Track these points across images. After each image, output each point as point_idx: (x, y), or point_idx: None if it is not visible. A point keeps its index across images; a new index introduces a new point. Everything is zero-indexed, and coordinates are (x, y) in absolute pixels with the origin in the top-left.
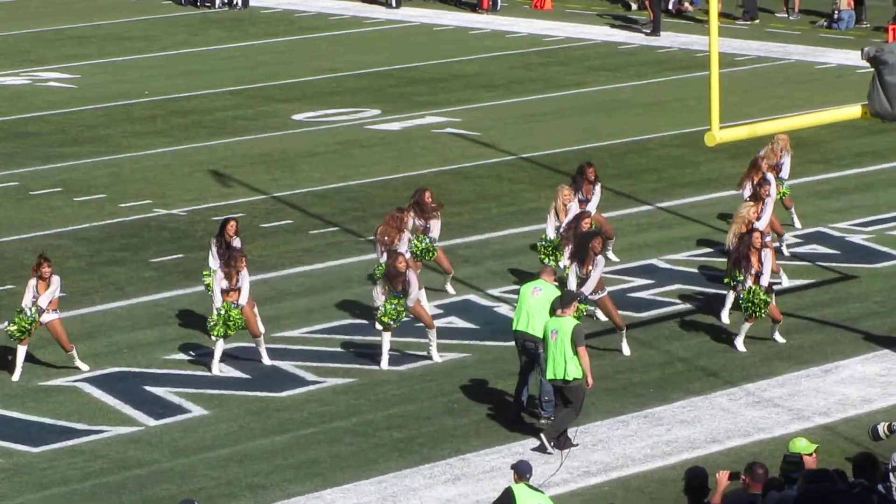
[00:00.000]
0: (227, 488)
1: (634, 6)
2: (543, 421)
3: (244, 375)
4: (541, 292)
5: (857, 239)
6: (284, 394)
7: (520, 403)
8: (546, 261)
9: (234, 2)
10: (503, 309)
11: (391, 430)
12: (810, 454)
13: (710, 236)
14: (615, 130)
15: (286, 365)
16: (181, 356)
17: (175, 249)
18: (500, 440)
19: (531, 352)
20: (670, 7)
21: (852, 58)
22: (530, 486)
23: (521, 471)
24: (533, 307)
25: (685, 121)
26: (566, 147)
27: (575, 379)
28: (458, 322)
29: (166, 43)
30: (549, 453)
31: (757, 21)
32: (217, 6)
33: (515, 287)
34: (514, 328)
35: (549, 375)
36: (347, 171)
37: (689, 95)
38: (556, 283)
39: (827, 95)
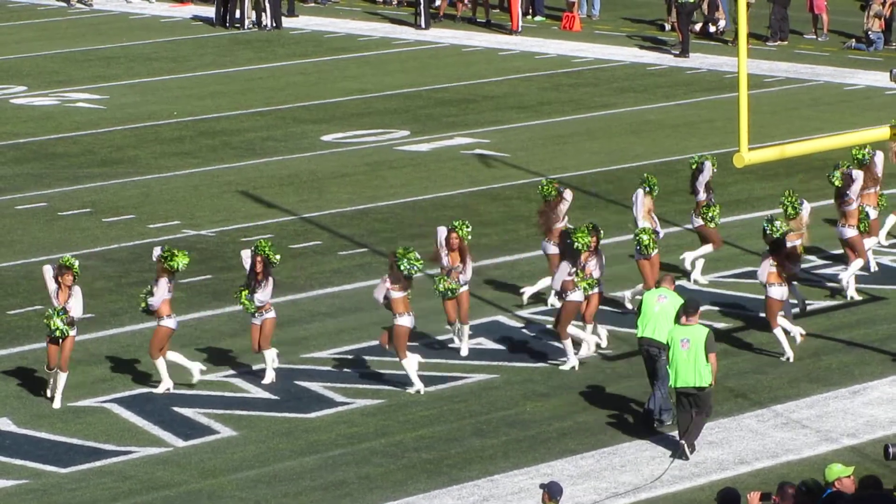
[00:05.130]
0: None
1: (668, 27)
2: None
3: (273, 396)
4: (666, 300)
5: (885, 260)
6: (313, 415)
7: (649, 411)
8: (653, 250)
9: (264, 23)
10: (532, 330)
11: (420, 452)
12: (849, 476)
13: (739, 258)
14: (644, 152)
15: (315, 386)
16: (210, 377)
17: (204, 270)
18: (529, 461)
19: (654, 357)
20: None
21: (881, 79)
22: None
23: (553, 492)
24: (658, 314)
25: (714, 142)
26: (595, 168)
27: (708, 385)
28: (486, 343)
29: (195, 64)
30: (687, 458)
31: (786, 42)
32: (246, 27)
33: (544, 308)
34: (639, 335)
35: (681, 383)
36: (376, 193)
37: (718, 117)
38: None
39: (856, 117)
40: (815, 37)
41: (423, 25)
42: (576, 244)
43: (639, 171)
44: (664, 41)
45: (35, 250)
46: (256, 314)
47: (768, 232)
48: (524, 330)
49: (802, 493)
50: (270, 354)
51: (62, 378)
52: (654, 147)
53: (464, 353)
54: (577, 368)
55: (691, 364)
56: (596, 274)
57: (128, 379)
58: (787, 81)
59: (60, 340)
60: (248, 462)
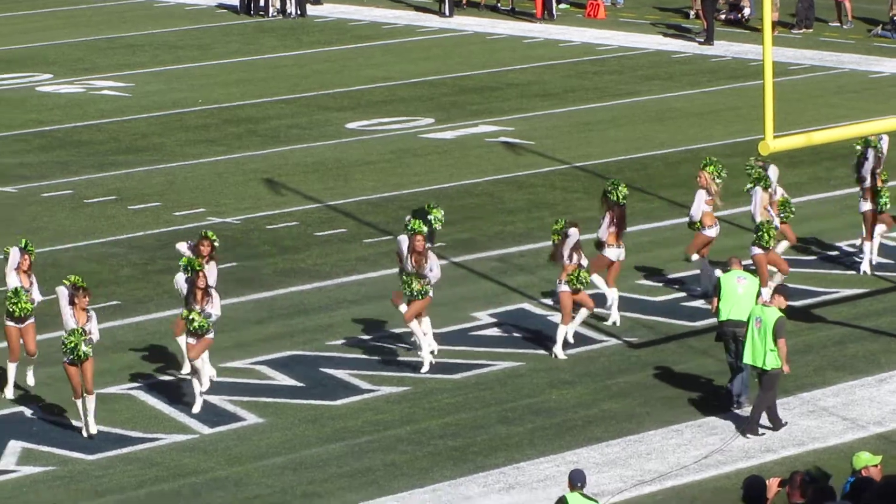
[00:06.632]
0: (282, 496)
1: (692, 14)
2: (737, 408)
3: (299, 384)
4: (746, 281)
5: None
6: (339, 402)
7: (731, 390)
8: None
9: (289, 11)
10: (557, 317)
11: (445, 439)
12: (876, 465)
13: None
14: (668, 139)
15: (341, 373)
16: (235, 364)
17: (229, 258)
18: (554, 449)
19: (741, 339)
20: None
21: None
22: (584, 495)
23: (575, 479)
24: (742, 296)
25: (739, 130)
26: (620, 156)
27: (773, 368)
28: (512, 330)
29: (220, 51)
30: (747, 438)
31: (811, 30)
32: (271, 15)
33: None
34: (722, 318)
35: (748, 360)
36: (401, 180)
37: (743, 104)
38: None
39: (881, 104)
40: (839, 24)
41: (447, 13)
42: (433, 224)
43: (664, 159)
44: (689, 29)
45: (61, 237)
46: (199, 332)
47: (610, 195)
48: (549, 317)
49: (806, 483)
50: (206, 374)
51: (92, 402)
52: (679, 135)
53: (424, 368)
54: (434, 357)
55: (760, 344)
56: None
57: (154, 366)
58: (813, 69)
59: (80, 364)
60: (275, 449)
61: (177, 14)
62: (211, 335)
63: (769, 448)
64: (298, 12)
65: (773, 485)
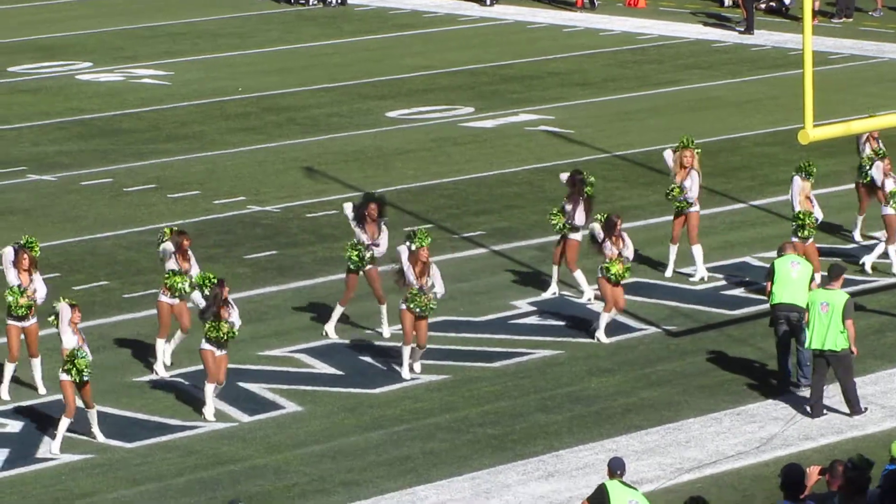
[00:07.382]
0: (321, 484)
1: (728, 2)
2: (803, 386)
3: (338, 372)
4: (799, 266)
5: None
6: (378, 390)
7: (788, 372)
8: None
9: None
10: (597, 306)
11: (485, 427)
12: None
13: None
14: (708, 129)
15: (380, 361)
16: (275, 352)
17: (269, 246)
18: (594, 436)
19: (794, 322)
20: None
21: None
22: (624, 483)
23: (614, 467)
24: (796, 280)
25: (778, 119)
26: (660, 145)
27: (843, 349)
28: (551, 319)
29: (260, 40)
30: (863, 409)
31: (851, 19)
32: (311, 3)
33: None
34: (775, 301)
35: (816, 345)
36: (441, 169)
37: (783, 93)
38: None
39: None
40: (875, 13)
41: (488, 2)
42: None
43: (703, 148)
44: (728, 18)
45: (100, 226)
46: (223, 345)
47: (584, 182)
48: (589, 306)
49: (849, 470)
50: (218, 390)
51: (94, 414)
52: (719, 124)
53: (405, 375)
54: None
55: (828, 328)
56: (628, 253)
57: (191, 354)
58: (852, 58)
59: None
60: (314, 437)
61: (217, 2)
62: (226, 350)
63: (808, 436)
64: (339, 0)
65: (813, 473)
